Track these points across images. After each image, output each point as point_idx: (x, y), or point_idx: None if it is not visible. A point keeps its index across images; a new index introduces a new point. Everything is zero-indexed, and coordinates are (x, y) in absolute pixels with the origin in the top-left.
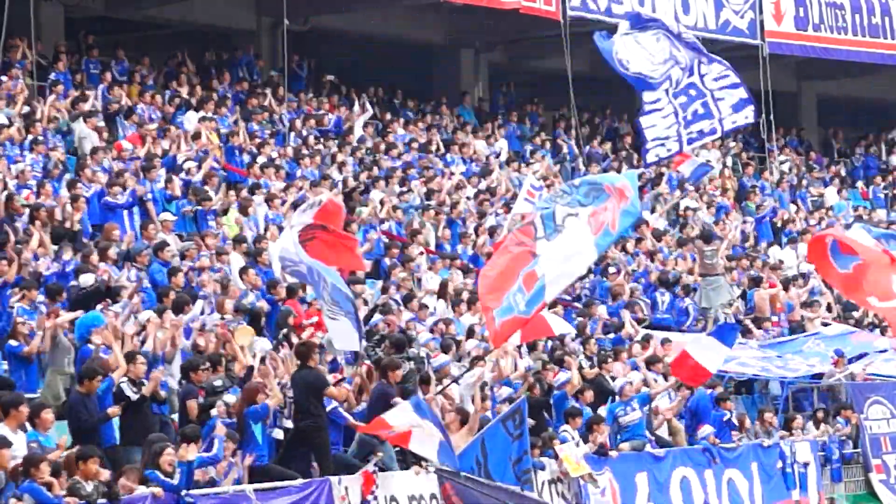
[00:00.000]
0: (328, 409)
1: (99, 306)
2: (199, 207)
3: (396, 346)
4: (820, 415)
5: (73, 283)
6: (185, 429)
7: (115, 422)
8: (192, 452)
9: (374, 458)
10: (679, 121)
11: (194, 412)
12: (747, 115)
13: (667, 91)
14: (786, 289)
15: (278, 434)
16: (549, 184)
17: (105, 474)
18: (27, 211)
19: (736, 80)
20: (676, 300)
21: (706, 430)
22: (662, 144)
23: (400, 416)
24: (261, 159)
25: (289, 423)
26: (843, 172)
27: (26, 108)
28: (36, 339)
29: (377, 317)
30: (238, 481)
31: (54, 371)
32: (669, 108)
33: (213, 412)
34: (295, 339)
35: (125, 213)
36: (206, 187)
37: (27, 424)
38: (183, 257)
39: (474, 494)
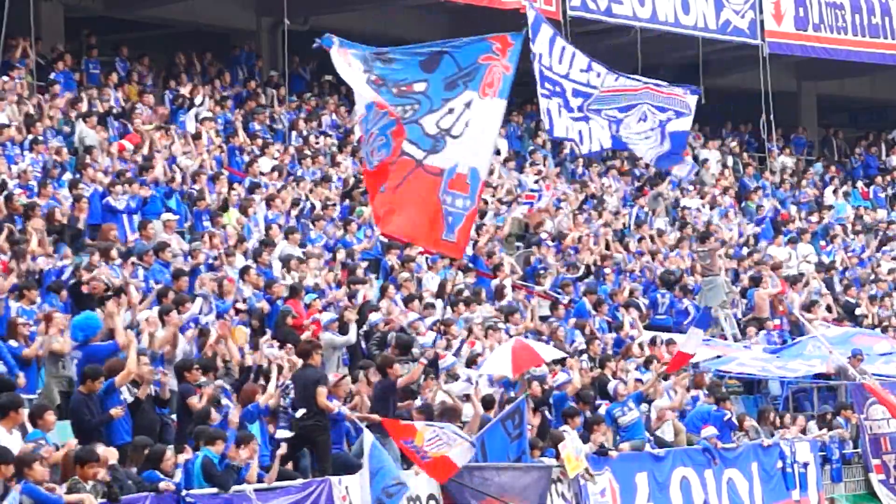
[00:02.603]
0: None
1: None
2: (196, 207)
3: (401, 347)
4: (828, 416)
5: (72, 282)
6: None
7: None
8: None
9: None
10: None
11: (196, 407)
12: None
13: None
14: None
15: (283, 433)
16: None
17: (104, 473)
18: (27, 211)
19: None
20: (676, 301)
21: (709, 430)
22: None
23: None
24: (261, 159)
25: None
26: (842, 173)
27: (26, 108)
28: (35, 343)
29: (378, 316)
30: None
31: (50, 375)
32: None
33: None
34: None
35: (124, 214)
36: (197, 186)
37: (28, 424)
38: (190, 256)
39: (466, 496)
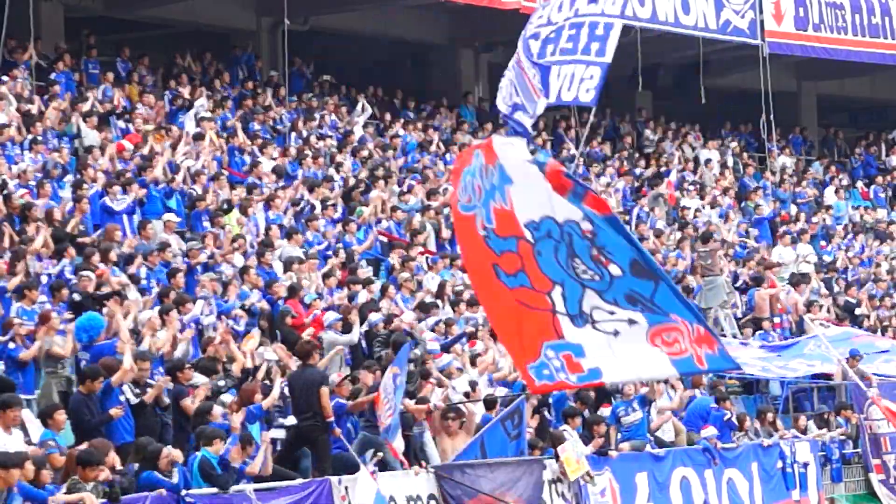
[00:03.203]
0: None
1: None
2: (196, 208)
3: (396, 349)
4: (826, 415)
5: (73, 282)
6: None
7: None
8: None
9: (374, 458)
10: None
11: (190, 408)
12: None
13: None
14: (795, 287)
15: (278, 433)
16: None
17: (106, 474)
18: (26, 211)
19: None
20: None
21: (710, 431)
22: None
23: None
24: (261, 159)
25: (291, 420)
26: (842, 173)
27: (26, 108)
28: (34, 346)
29: (377, 316)
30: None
31: (49, 375)
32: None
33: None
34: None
35: (123, 215)
36: (197, 186)
37: (39, 424)
38: (186, 257)
39: (459, 495)
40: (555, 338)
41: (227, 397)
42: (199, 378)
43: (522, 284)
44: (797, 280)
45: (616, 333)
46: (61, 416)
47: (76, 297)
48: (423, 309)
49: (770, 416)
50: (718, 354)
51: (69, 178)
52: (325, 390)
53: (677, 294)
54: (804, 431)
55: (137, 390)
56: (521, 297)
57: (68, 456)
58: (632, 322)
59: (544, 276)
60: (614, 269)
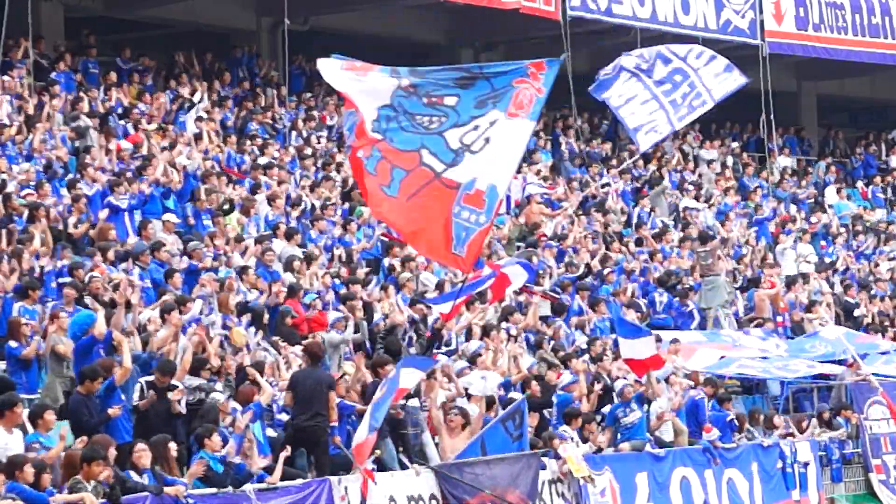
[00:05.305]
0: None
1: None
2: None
3: (390, 350)
4: (826, 415)
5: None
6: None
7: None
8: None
9: (372, 456)
10: (665, 106)
11: (180, 412)
12: (736, 79)
13: (642, 81)
14: (788, 288)
15: (272, 432)
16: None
17: (108, 474)
18: (26, 211)
19: (713, 53)
20: (674, 300)
21: (713, 433)
22: (653, 129)
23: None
24: (261, 159)
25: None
26: (842, 172)
27: (26, 108)
28: (33, 344)
29: (377, 316)
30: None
31: (53, 374)
32: (647, 94)
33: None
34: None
35: (125, 214)
36: (204, 185)
37: (28, 425)
38: (190, 257)
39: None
40: (455, 193)
41: (220, 395)
42: (191, 380)
43: (400, 179)
44: (790, 281)
45: (488, 140)
46: (50, 416)
47: (87, 300)
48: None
49: (761, 416)
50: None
51: (70, 178)
52: (333, 394)
53: (503, 66)
54: (802, 431)
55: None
56: (406, 191)
57: (68, 456)
58: (492, 122)
59: (406, 153)
60: (450, 100)
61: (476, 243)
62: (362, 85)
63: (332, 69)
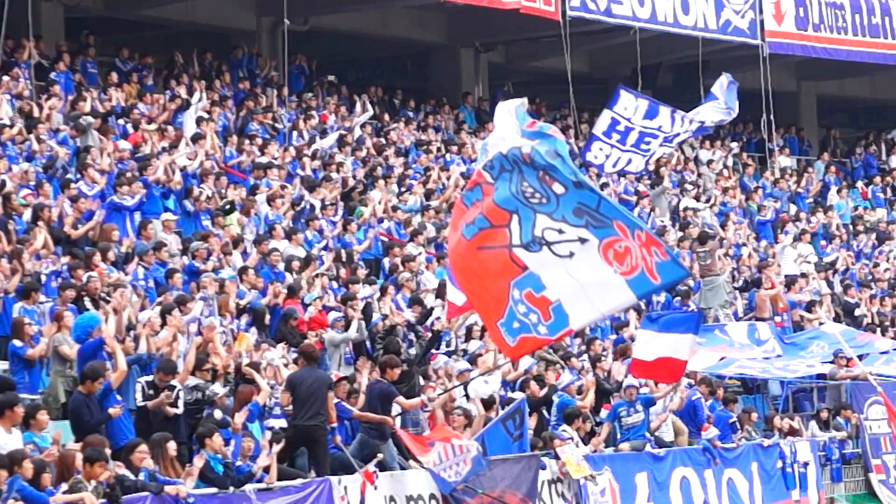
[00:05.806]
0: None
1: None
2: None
3: (389, 351)
4: (824, 415)
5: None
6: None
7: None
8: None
9: (374, 459)
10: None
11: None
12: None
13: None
14: (788, 288)
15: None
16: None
17: (108, 474)
18: (26, 211)
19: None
20: (674, 300)
21: (712, 432)
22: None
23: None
24: (261, 159)
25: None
26: (842, 172)
27: (27, 108)
28: (41, 344)
29: (377, 316)
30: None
31: (56, 373)
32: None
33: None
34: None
35: (127, 214)
36: (204, 185)
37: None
38: (193, 257)
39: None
40: (518, 272)
41: (220, 390)
42: (190, 379)
43: (481, 228)
44: (790, 281)
45: (571, 255)
46: (43, 416)
47: (86, 300)
48: (420, 305)
49: (754, 415)
50: (669, 259)
51: (70, 178)
52: (331, 394)
53: (618, 205)
54: (799, 432)
55: (150, 392)
56: (480, 241)
57: (65, 456)
58: (583, 241)
59: (501, 210)
60: (558, 188)
61: (530, 345)
62: (508, 128)
63: (505, 110)
